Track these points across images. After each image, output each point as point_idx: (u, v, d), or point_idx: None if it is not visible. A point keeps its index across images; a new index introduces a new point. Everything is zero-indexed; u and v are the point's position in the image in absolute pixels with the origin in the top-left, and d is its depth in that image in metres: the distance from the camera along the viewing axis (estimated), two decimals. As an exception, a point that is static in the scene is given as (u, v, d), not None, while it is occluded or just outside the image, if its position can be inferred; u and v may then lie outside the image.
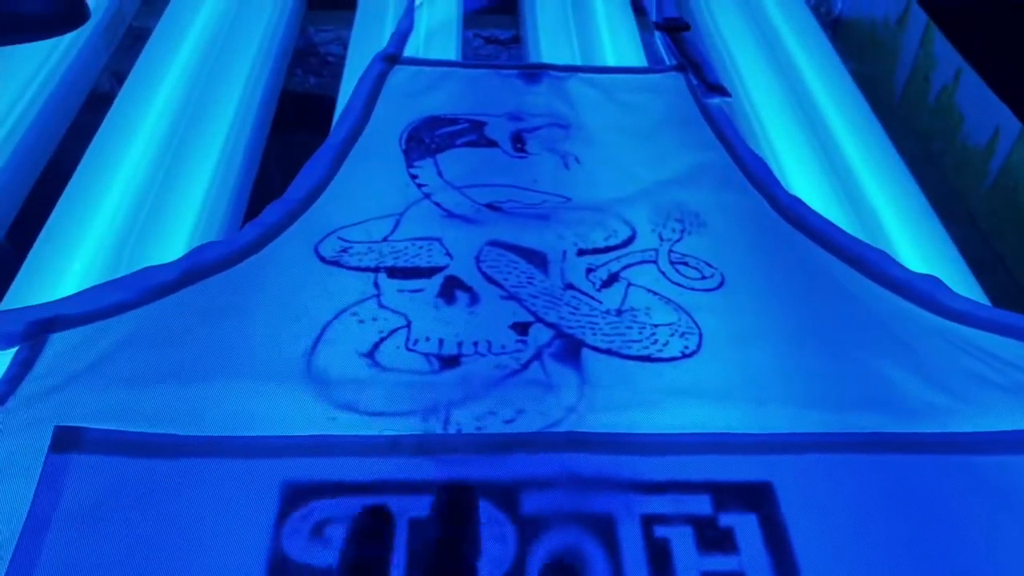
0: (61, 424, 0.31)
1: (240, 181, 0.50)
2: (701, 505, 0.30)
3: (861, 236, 0.42)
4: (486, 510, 0.30)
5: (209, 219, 0.45)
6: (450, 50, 0.60)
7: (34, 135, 0.52)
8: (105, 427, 0.31)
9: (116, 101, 0.54)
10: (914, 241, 0.46)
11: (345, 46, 0.63)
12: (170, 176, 0.48)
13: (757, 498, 0.31)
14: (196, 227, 0.44)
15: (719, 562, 0.29)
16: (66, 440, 0.30)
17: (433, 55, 0.58)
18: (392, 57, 0.53)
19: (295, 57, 0.70)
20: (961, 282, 0.44)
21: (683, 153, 0.47)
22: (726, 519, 0.30)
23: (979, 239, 0.56)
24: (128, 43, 0.65)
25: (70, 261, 0.41)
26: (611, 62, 0.59)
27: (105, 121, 0.52)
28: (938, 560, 0.29)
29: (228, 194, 0.48)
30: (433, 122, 0.48)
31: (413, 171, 0.45)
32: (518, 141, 0.47)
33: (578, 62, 0.59)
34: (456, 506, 0.29)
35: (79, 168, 0.48)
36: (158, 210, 0.45)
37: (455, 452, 0.31)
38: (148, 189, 0.46)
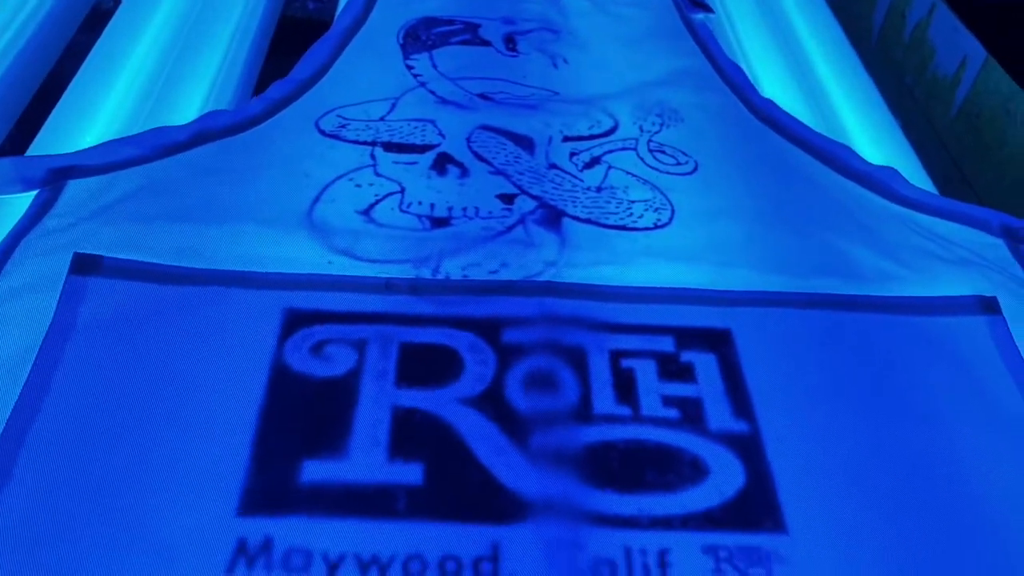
0: (79, 252, 0.33)
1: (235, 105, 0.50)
2: (664, 343, 0.33)
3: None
4: (469, 340, 0.33)
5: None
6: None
7: (33, 48, 0.52)
8: (122, 256, 0.34)
9: (113, 19, 0.54)
10: (877, 148, 0.49)
11: (345, -28, 0.65)
12: (162, 98, 0.48)
13: (716, 341, 0.34)
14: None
15: (679, 388, 0.32)
16: (85, 265, 0.33)
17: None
18: (392, -36, 0.55)
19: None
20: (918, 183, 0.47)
21: (666, 59, 0.50)
22: (687, 356, 0.33)
23: (944, 165, 0.59)
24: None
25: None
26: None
27: (100, 39, 0.52)
28: (874, 400, 0.32)
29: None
30: (429, 22, 0.51)
31: (409, 63, 0.47)
32: (510, 42, 0.50)
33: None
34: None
35: (71, 86, 0.48)
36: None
37: (444, 293, 0.34)
38: (139, 111, 0.46)
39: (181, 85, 0.49)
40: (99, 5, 0.62)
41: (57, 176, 0.37)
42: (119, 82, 0.48)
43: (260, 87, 0.55)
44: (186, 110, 0.46)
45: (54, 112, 0.44)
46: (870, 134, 0.51)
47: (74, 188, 0.36)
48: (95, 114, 0.45)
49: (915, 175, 0.47)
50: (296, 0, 0.85)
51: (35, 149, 0.42)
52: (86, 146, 0.40)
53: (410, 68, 0.47)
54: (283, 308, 0.33)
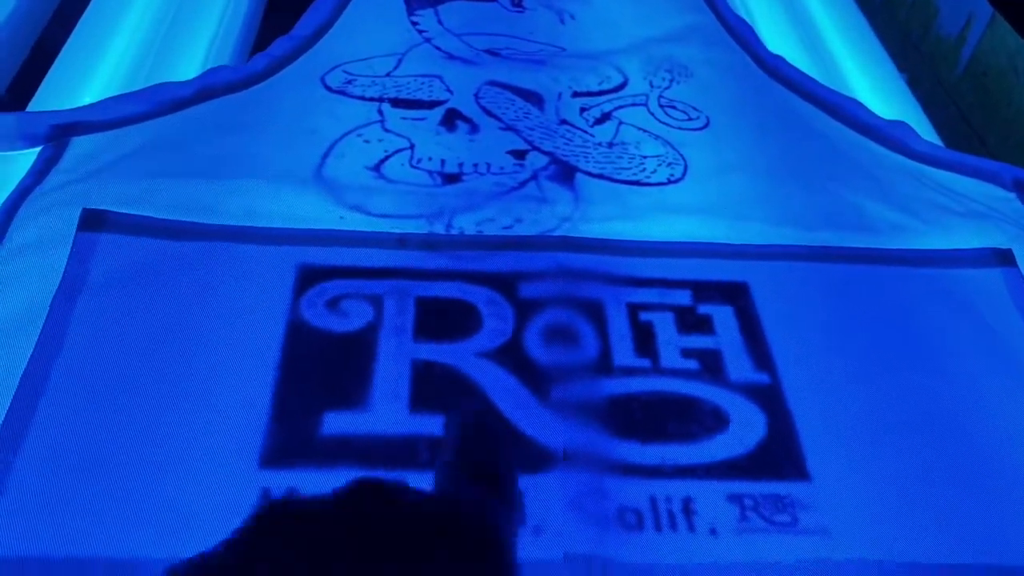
0: (88, 208, 0.33)
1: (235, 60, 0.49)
2: (682, 297, 0.33)
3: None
4: (486, 295, 0.32)
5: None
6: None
7: (26, 7, 0.50)
8: (129, 211, 0.33)
9: None
10: (885, 106, 0.49)
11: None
12: (162, 54, 0.46)
13: (733, 294, 0.33)
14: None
15: (698, 340, 0.32)
16: (93, 221, 0.32)
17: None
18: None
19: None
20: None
21: (673, 14, 0.49)
22: (704, 308, 0.33)
23: (961, 120, 0.58)
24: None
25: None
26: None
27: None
28: (891, 351, 0.32)
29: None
30: (433, -23, 0.50)
31: (414, 19, 0.47)
32: (516, -3, 0.49)
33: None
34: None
35: (68, 43, 0.46)
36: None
37: (458, 248, 0.34)
38: (140, 67, 0.45)
39: (180, 40, 0.48)
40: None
41: (61, 132, 0.36)
42: (117, 38, 0.46)
43: (259, 42, 0.54)
44: (187, 65, 0.45)
45: (52, 69, 0.43)
46: (877, 92, 0.51)
47: (78, 144, 0.36)
48: (94, 71, 0.44)
49: (923, 131, 0.46)
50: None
51: (34, 107, 0.41)
52: (85, 103, 0.40)
53: (415, 24, 0.46)
54: (297, 263, 0.32)
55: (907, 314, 0.34)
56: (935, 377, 0.31)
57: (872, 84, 0.51)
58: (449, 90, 0.42)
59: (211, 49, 0.48)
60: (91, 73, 0.43)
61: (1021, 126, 0.53)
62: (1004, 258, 0.36)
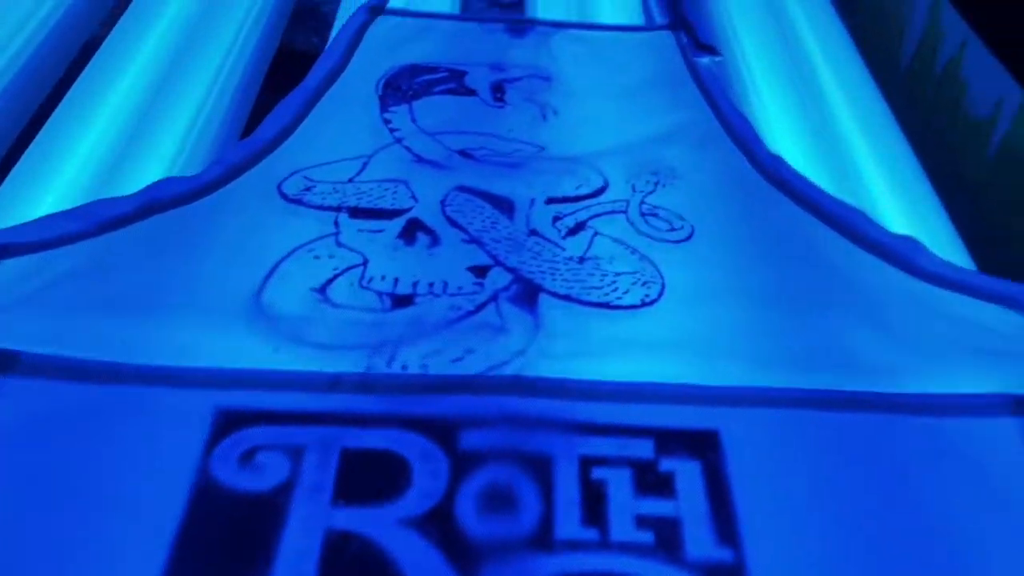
0: None
1: (222, 137, 0.49)
2: (643, 448, 0.29)
3: (848, 199, 0.41)
4: (421, 446, 0.29)
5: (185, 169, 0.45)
6: (447, 6, 0.59)
7: (24, 80, 0.51)
8: (44, 351, 0.31)
9: (102, 46, 0.54)
10: (902, 206, 0.45)
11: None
12: (145, 122, 0.47)
13: (702, 445, 0.30)
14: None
15: (655, 506, 0.28)
16: (2, 362, 0.30)
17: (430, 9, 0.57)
18: (377, 8, 0.52)
19: (299, 17, 0.69)
20: (949, 248, 0.42)
21: (666, 111, 0.46)
22: (667, 464, 0.29)
23: (978, 216, 0.54)
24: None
25: (43, 195, 0.41)
26: (608, 20, 0.58)
27: (88, 67, 0.51)
28: (882, 522, 0.28)
29: (204, 150, 0.47)
30: (412, 70, 0.48)
31: (387, 116, 0.44)
32: (498, 91, 0.47)
33: (574, 19, 0.57)
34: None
35: (56, 111, 0.47)
36: (134, 153, 0.45)
37: (396, 391, 0.31)
38: (125, 132, 0.46)
39: (165, 111, 0.48)
40: (96, 39, 0.61)
41: (-9, 255, 0.34)
42: (99, 119, 0.46)
43: (252, 123, 0.52)
44: (166, 150, 0.45)
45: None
46: (895, 189, 0.47)
47: (5, 270, 0.33)
48: (69, 158, 0.43)
49: (945, 237, 0.42)
50: (299, 35, 0.82)
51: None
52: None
53: (387, 122, 0.44)
54: (214, 409, 0.29)
55: (902, 474, 0.29)
56: (934, 556, 0.27)
57: (890, 182, 0.47)
58: (414, 197, 0.39)
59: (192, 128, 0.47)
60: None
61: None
62: (1020, 406, 0.31)
